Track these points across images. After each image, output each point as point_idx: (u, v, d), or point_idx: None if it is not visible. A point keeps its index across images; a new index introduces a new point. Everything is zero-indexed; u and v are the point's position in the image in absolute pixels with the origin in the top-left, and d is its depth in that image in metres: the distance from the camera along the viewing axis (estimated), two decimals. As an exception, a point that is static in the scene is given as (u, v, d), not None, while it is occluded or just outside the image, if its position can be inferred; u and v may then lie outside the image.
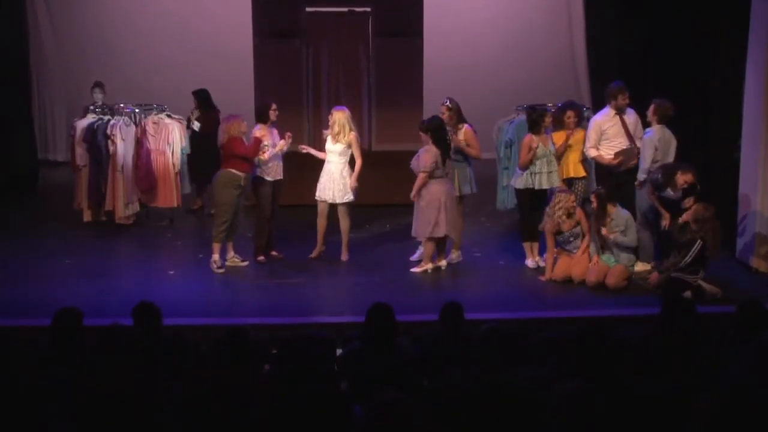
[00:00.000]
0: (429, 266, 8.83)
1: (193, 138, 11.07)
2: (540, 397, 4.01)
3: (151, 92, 12.30)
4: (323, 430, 3.83)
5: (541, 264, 8.97)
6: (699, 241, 7.99)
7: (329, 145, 9.08)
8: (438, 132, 8.71)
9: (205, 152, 10.87)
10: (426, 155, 8.63)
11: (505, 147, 10.48)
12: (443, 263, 8.94)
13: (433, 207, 8.61)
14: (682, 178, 8.23)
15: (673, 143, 8.73)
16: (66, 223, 10.61)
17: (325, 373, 5.28)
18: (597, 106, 10.84)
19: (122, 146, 10.35)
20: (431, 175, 8.62)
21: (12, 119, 12.26)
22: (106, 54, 13.88)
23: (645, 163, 8.73)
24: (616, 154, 8.97)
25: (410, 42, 11.54)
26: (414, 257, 9.15)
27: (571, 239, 8.63)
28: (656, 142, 8.66)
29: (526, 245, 9.07)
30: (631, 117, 9.03)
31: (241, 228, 9.18)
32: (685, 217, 8.10)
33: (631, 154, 8.96)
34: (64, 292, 8.23)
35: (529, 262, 9.03)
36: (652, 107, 8.74)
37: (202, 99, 11.31)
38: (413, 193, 8.71)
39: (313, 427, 3.83)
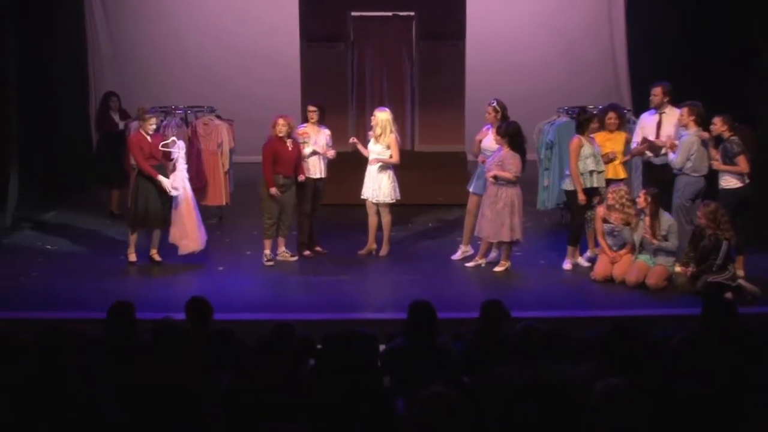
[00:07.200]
0: (482, 261, 8.99)
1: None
2: (580, 394, 3.98)
3: (201, 94, 12.43)
4: (367, 423, 3.88)
5: (583, 264, 8.98)
6: (724, 241, 7.98)
7: (371, 145, 9.25)
8: (515, 138, 8.71)
9: None
10: (514, 160, 8.64)
11: (546, 148, 10.50)
12: (482, 262, 9.00)
13: (508, 211, 8.70)
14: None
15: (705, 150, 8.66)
16: (121, 220, 10.69)
17: (368, 368, 5.27)
18: (637, 109, 10.90)
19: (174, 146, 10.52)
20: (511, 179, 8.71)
21: (72, 121, 12.49)
22: (158, 58, 14.09)
23: (677, 161, 8.70)
24: (643, 140, 9.08)
25: (453, 45, 11.63)
26: (455, 257, 9.21)
27: (615, 232, 8.59)
28: (693, 146, 8.63)
29: (571, 248, 9.03)
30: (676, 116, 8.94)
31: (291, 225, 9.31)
32: (700, 223, 8.12)
33: (654, 147, 9.03)
34: (117, 286, 8.35)
35: (567, 265, 8.98)
36: (686, 110, 8.66)
37: None
38: (502, 174, 8.66)
39: (357, 420, 3.88)
